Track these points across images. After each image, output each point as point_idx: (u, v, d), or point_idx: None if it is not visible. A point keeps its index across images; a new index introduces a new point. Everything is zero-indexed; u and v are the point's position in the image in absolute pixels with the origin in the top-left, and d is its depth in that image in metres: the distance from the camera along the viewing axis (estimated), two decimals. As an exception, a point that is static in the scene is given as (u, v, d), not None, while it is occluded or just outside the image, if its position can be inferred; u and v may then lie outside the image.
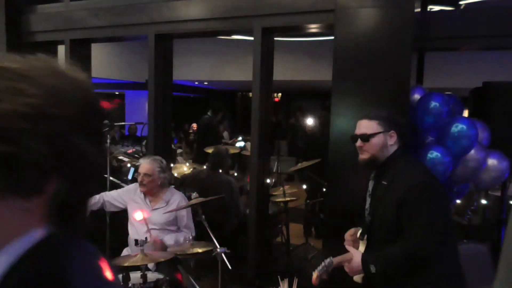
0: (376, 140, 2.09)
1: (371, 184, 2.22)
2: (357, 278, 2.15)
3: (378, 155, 2.11)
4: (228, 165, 4.61)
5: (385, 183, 2.06)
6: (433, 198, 1.98)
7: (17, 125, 0.59)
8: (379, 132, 2.09)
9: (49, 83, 0.64)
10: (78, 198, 0.68)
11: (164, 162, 3.29)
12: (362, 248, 2.16)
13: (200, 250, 2.77)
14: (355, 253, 2.06)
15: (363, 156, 2.14)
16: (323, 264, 2.01)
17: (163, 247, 3.06)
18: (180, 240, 3.15)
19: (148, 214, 3.20)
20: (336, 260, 2.07)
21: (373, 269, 1.97)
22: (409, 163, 2.13)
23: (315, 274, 1.99)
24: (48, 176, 0.62)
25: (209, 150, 5.00)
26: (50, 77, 0.65)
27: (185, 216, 3.25)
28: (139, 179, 3.20)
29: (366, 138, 2.11)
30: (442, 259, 1.99)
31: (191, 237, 3.01)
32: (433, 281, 1.99)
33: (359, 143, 2.14)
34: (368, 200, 2.21)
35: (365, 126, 2.13)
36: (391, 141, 2.11)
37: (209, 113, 6.46)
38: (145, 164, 3.19)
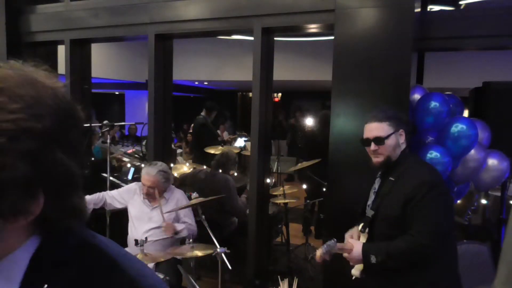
0: (390, 142, 2.10)
1: (377, 182, 2.24)
2: (355, 272, 2.16)
3: (392, 155, 2.12)
4: (230, 167, 4.63)
5: (392, 179, 2.09)
6: (440, 197, 2.00)
7: None
8: (392, 133, 2.10)
9: (28, 94, 0.60)
10: (62, 213, 0.64)
11: (167, 170, 3.25)
12: (363, 240, 2.16)
13: (200, 254, 2.77)
14: (356, 243, 2.08)
15: (378, 159, 2.14)
16: (326, 244, 2.03)
17: (175, 230, 3.09)
18: (185, 232, 3.18)
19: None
20: (338, 245, 2.08)
21: (373, 259, 1.99)
22: (417, 161, 2.17)
23: (318, 252, 2.01)
24: (34, 195, 0.59)
25: (210, 150, 5.00)
26: (28, 87, 0.61)
27: (186, 216, 3.26)
28: (144, 190, 3.19)
29: (380, 141, 2.10)
30: (441, 258, 2.00)
31: (194, 226, 3.07)
32: (430, 279, 2.00)
33: (373, 147, 2.13)
34: (372, 197, 2.22)
35: (377, 129, 2.12)
36: (401, 140, 2.13)
37: (202, 113, 6.46)
38: (149, 177, 3.15)
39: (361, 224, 2.21)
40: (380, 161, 2.14)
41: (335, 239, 2.07)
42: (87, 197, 3.34)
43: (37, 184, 0.59)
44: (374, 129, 2.13)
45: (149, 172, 3.18)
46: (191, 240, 2.89)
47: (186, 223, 3.25)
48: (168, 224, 3.07)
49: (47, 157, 0.59)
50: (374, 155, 2.15)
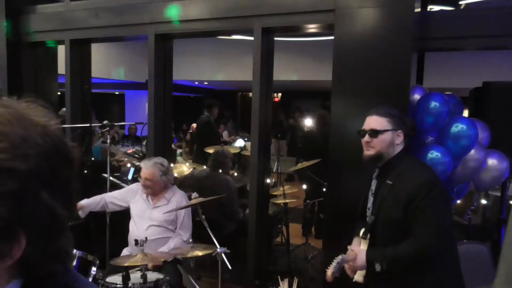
0: (384, 137, 2.09)
1: (373, 183, 2.22)
2: (358, 278, 2.15)
3: (384, 152, 2.11)
4: (229, 166, 4.61)
5: (389, 182, 2.07)
6: (440, 197, 2.00)
7: None
8: (388, 130, 2.10)
9: (16, 133, 0.57)
10: (45, 256, 0.61)
11: (166, 164, 3.27)
12: (363, 246, 2.16)
13: (200, 253, 2.77)
14: (359, 252, 2.07)
15: (369, 152, 2.13)
16: (335, 261, 2.02)
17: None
18: (171, 246, 3.11)
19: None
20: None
21: (378, 267, 1.98)
22: (414, 163, 2.15)
23: (329, 272, 2.00)
24: (14, 238, 0.57)
25: (209, 150, 4.99)
26: (16, 126, 0.58)
27: (184, 215, 3.26)
28: (142, 183, 3.22)
29: (375, 134, 2.10)
30: (443, 259, 2.00)
31: (186, 239, 3.00)
32: (433, 280, 2.00)
33: (366, 138, 2.13)
34: (371, 199, 2.21)
35: (375, 122, 2.12)
36: (398, 141, 2.12)
37: (205, 112, 6.44)
38: (146, 169, 3.19)
39: (362, 230, 2.20)
40: (370, 154, 2.13)
41: (342, 255, 2.07)
42: (85, 201, 3.33)
43: (18, 226, 0.56)
44: (372, 121, 2.13)
45: (146, 164, 3.23)
46: (191, 240, 2.89)
47: (176, 238, 3.18)
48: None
49: (30, 198, 0.57)
50: (366, 147, 2.15)
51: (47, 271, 0.62)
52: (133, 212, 3.31)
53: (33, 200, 0.57)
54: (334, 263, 2.01)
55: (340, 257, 2.04)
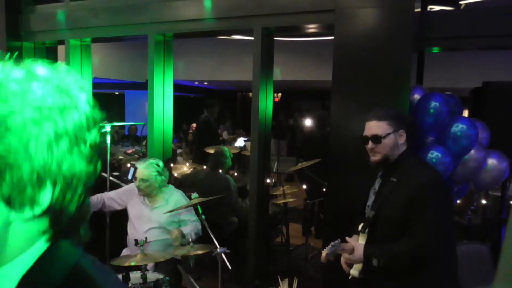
0: (387, 141, 2.10)
1: (378, 182, 2.22)
2: (354, 272, 2.15)
3: (390, 155, 2.11)
4: (229, 166, 4.61)
5: (394, 180, 2.08)
6: (443, 197, 2.01)
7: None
8: (390, 133, 2.10)
9: (54, 82, 0.64)
10: (71, 209, 0.65)
11: (161, 164, 3.25)
12: (362, 241, 2.16)
13: (200, 252, 2.77)
14: (357, 246, 2.07)
15: (375, 157, 2.14)
16: (331, 245, 2.02)
17: (182, 234, 3.06)
18: (193, 230, 3.14)
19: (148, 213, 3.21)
20: (341, 246, 2.08)
21: (375, 262, 1.98)
22: (418, 162, 2.17)
23: (324, 253, 2.01)
24: (42, 185, 0.60)
25: (209, 150, 5.00)
26: (55, 78, 0.64)
27: (187, 215, 3.24)
28: (136, 184, 3.20)
29: (377, 139, 2.10)
30: (442, 258, 2.00)
31: (198, 224, 3.12)
32: (431, 280, 2.00)
33: (370, 145, 2.13)
34: (372, 197, 2.21)
35: (375, 127, 2.12)
36: (401, 140, 2.12)
37: (205, 112, 6.44)
38: (141, 169, 3.17)
39: (361, 225, 2.20)
40: (377, 159, 2.13)
41: (339, 239, 2.07)
42: None
43: (46, 174, 0.60)
44: (373, 127, 2.13)
45: (141, 164, 3.21)
46: (191, 238, 2.89)
47: (189, 220, 3.24)
48: (175, 232, 3.03)
49: (61, 149, 0.61)
50: (372, 153, 2.15)
51: (72, 233, 0.66)
52: (131, 214, 3.29)
53: (63, 151, 0.61)
54: (329, 246, 2.02)
55: (336, 241, 2.05)
